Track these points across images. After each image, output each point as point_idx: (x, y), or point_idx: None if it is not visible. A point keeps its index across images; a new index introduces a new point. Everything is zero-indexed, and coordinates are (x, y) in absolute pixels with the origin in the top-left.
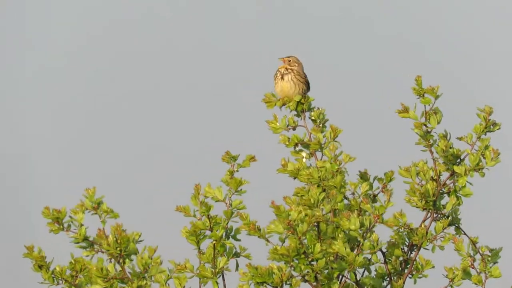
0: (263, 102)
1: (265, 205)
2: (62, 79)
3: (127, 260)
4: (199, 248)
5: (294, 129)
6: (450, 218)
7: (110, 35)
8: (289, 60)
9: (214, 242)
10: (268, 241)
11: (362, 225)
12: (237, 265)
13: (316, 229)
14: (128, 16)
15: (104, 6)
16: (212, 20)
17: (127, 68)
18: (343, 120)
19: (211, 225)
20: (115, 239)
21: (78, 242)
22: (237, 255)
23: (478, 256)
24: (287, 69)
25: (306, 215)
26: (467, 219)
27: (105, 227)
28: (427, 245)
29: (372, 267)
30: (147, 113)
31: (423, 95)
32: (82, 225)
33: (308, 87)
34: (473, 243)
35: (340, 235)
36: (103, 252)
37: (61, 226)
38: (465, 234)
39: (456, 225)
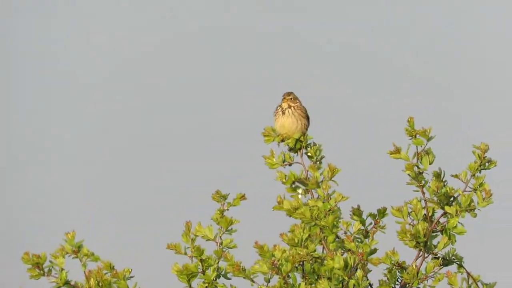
0: (262, 135)
1: (261, 243)
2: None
3: None
4: (190, 286)
5: (290, 165)
6: (442, 257)
7: (128, 72)
8: (290, 98)
9: (207, 284)
10: (253, 281)
11: (346, 264)
12: None
13: (301, 268)
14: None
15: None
16: (216, 54)
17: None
18: (339, 155)
19: (204, 269)
20: (97, 282)
21: (59, 287)
22: None
23: None
24: (289, 105)
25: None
26: (462, 254)
27: (85, 271)
28: (418, 285)
29: None
30: (139, 149)
31: (415, 136)
32: (62, 269)
33: (308, 122)
34: (474, 280)
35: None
36: None
37: (42, 271)
38: (466, 271)
39: (458, 262)
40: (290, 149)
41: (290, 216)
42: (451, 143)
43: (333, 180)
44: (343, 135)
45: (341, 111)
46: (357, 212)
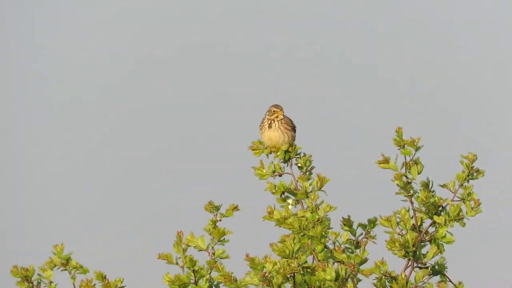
0: (250, 150)
1: (252, 252)
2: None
3: None
4: None
5: (280, 175)
6: (432, 266)
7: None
8: (278, 110)
9: None
10: None
11: (337, 275)
12: None
13: (292, 280)
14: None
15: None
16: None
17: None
18: (328, 166)
19: (196, 280)
20: None
21: None
22: None
23: None
24: (273, 120)
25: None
26: (452, 265)
27: (74, 283)
28: None
29: None
30: (134, 159)
31: (404, 146)
32: (51, 282)
33: (295, 132)
34: None
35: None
36: None
37: (31, 284)
38: (450, 281)
39: (442, 273)
40: (285, 162)
41: (280, 226)
42: (439, 152)
43: (322, 190)
44: (333, 145)
45: (331, 120)
46: (347, 223)
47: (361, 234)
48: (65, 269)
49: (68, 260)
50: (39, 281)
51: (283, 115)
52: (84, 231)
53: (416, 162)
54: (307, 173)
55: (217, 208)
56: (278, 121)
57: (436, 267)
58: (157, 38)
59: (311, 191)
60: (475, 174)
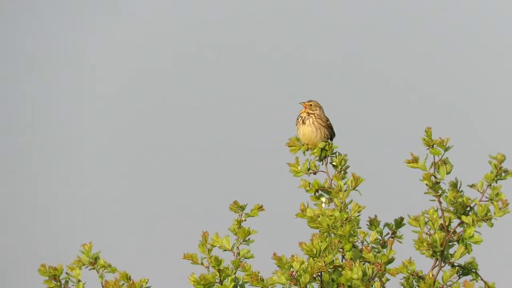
0: (287, 146)
1: (279, 251)
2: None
3: None
4: None
5: (315, 173)
6: (462, 267)
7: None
8: (310, 105)
9: None
10: None
11: (364, 274)
12: None
13: (319, 279)
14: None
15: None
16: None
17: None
18: (362, 166)
19: (221, 279)
20: None
21: None
22: None
23: None
24: (308, 113)
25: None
26: (481, 265)
27: (103, 282)
28: None
29: None
30: (157, 158)
31: (433, 146)
32: (79, 281)
33: (332, 132)
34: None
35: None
36: None
37: (59, 283)
38: (482, 280)
39: (474, 270)
40: (320, 160)
41: (310, 225)
42: (468, 153)
43: (356, 190)
44: (366, 144)
45: (364, 120)
46: (374, 222)
47: (388, 234)
48: (93, 268)
49: (96, 259)
50: (67, 279)
51: (316, 111)
52: (107, 229)
53: (445, 162)
54: (342, 172)
55: (242, 208)
56: (313, 116)
57: (469, 265)
58: (196, 34)
59: (345, 190)
60: (503, 174)
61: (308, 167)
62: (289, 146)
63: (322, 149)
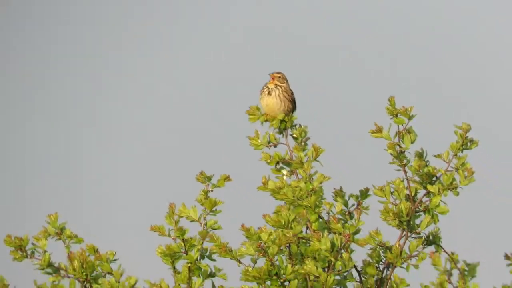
0: (246, 114)
1: (246, 224)
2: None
3: (94, 284)
4: (174, 268)
5: (275, 146)
6: (427, 236)
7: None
8: (279, 77)
9: (190, 264)
10: (240, 262)
11: (333, 245)
12: (213, 286)
13: (288, 250)
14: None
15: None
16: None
17: None
18: (324, 137)
19: (186, 248)
20: (80, 264)
21: (43, 269)
22: (212, 275)
23: (455, 272)
24: (276, 85)
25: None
26: (446, 236)
27: (68, 252)
28: (402, 264)
29: (350, 286)
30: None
31: (397, 115)
32: (45, 251)
33: (294, 106)
34: (453, 260)
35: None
36: (69, 277)
37: (25, 253)
38: (445, 251)
39: (437, 243)
40: (280, 132)
41: (274, 197)
42: (433, 123)
43: (317, 161)
44: (330, 117)
45: (325, 92)
46: (339, 194)
47: (353, 205)
48: (60, 239)
49: (62, 229)
50: (33, 250)
51: (284, 84)
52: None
53: (409, 131)
54: (303, 143)
55: (209, 179)
56: (280, 88)
57: (431, 237)
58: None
59: (306, 162)
60: (469, 144)
61: (268, 139)
62: (249, 115)
63: (282, 121)
